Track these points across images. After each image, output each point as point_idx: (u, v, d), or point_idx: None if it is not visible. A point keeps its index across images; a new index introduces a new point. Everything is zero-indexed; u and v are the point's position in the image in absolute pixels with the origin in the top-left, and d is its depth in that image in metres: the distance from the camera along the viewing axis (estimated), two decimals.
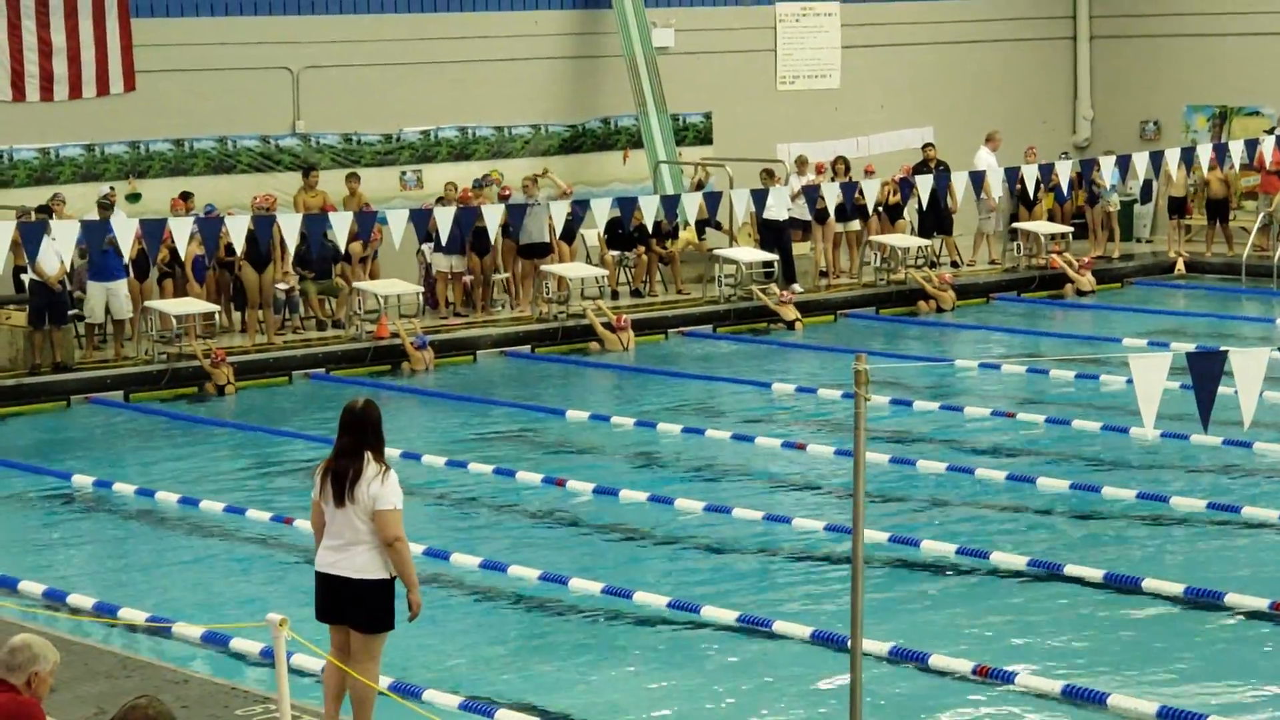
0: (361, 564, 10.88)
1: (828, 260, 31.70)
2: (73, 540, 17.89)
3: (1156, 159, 29.09)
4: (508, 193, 29.36)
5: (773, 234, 30.09)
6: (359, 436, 10.94)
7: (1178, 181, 32.96)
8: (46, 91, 27.43)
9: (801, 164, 31.25)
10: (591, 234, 29.90)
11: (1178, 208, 33.60)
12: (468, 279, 28.82)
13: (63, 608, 14.99)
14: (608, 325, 27.44)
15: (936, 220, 31.78)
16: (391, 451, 19.72)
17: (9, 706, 8.64)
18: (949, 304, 30.10)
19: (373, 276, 27.88)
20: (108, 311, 25.32)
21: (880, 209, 31.33)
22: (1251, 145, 30.18)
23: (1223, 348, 9.67)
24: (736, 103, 33.24)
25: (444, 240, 27.00)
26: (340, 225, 25.21)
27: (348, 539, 10.89)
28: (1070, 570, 15.49)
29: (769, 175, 30.06)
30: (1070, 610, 14.84)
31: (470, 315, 28.23)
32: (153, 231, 23.91)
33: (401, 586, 11.03)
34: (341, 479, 10.89)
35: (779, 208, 29.48)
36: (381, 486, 10.84)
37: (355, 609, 10.94)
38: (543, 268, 28.39)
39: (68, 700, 11.99)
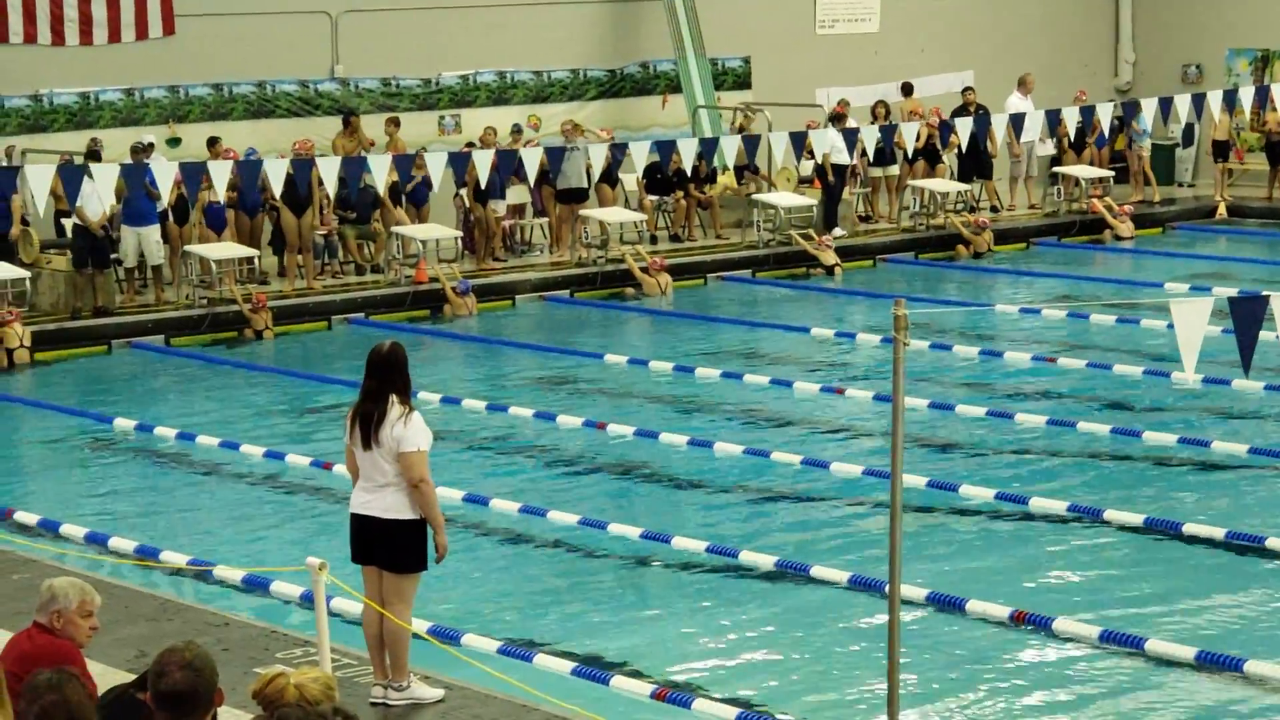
0: (390, 504, 10.90)
1: (867, 205, 31.62)
2: (114, 484, 17.97)
3: (1198, 102, 28.90)
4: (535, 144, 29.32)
5: (838, 177, 29.99)
6: (384, 379, 10.94)
7: (1221, 125, 32.77)
8: (86, 35, 27.44)
9: (843, 107, 31.12)
10: (630, 179, 29.85)
11: (1222, 151, 33.39)
12: (507, 223, 28.81)
13: (105, 550, 15.07)
14: (645, 270, 27.41)
15: (976, 165, 31.66)
16: (432, 396, 19.95)
17: (45, 650, 8.67)
18: (985, 247, 29.99)
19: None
20: (141, 256, 25.36)
21: (919, 152, 31.18)
22: None
23: (1265, 292, 9.60)
24: (775, 47, 33.10)
25: (483, 185, 26.97)
26: (379, 169, 25.20)
27: (378, 481, 10.92)
28: (1110, 515, 15.46)
29: (839, 119, 29.89)
30: (1109, 555, 14.83)
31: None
32: (192, 175, 23.95)
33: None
34: (368, 422, 10.91)
35: (844, 151, 29.36)
36: (405, 428, 10.84)
37: (385, 549, 10.96)
38: (581, 212, 28.35)
39: (109, 643, 12.05)
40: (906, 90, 32.83)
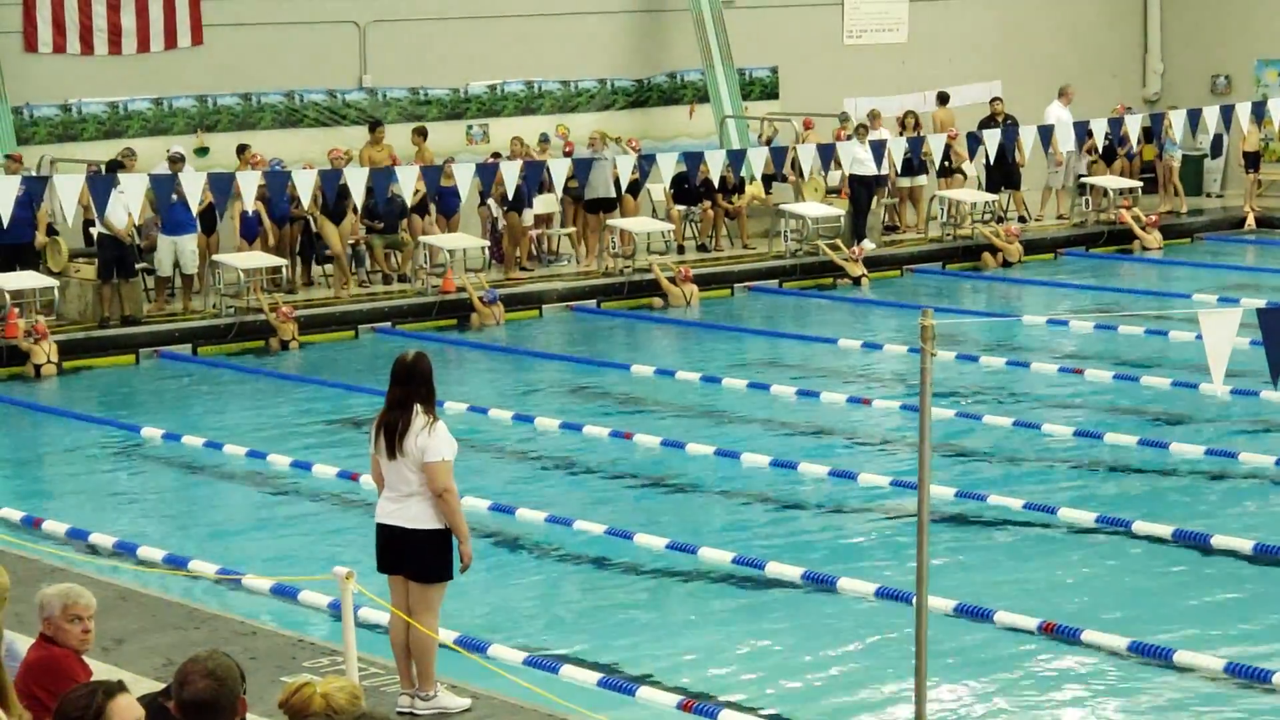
0: (415, 514, 10.91)
1: (893, 215, 31.60)
2: (142, 493, 18.01)
3: (1227, 113, 28.84)
4: (570, 149, 29.37)
5: (864, 189, 29.92)
6: (409, 388, 10.96)
7: (1251, 135, 32.67)
8: (115, 45, 27.53)
9: (874, 118, 31.05)
10: (657, 189, 29.85)
11: (1253, 162, 33.29)
12: (534, 233, 28.83)
13: (133, 559, 15.09)
14: (672, 280, 27.41)
15: (1004, 175, 31.62)
16: (458, 406, 19.96)
17: (40, 662, 8.65)
18: (1016, 257, 29.94)
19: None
20: (176, 265, 25.43)
21: (948, 164, 31.17)
22: None
23: None
24: (803, 57, 33.09)
25: (509, 195, 27.02)
26: (406, 180, 25.24)
27: (403, 491, 10.94)
28: (1138, 527, 15.40)
29: (863, 130, 29.82)
30: (1138, 567, 14.78)
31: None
32: (220, 185, 24.00)
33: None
34: (392, 431, 10.93)
35: (869, 163, 29.28)
36: (429, 438, 10.85)
37: (410, 559, 10.98)
38: (608, 222, 28.36)
39: (136, 651, 12.08)
40: (943, 99, 32.76)
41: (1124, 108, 31.98)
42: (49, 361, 23.19)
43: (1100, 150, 32.37)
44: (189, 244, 25.24)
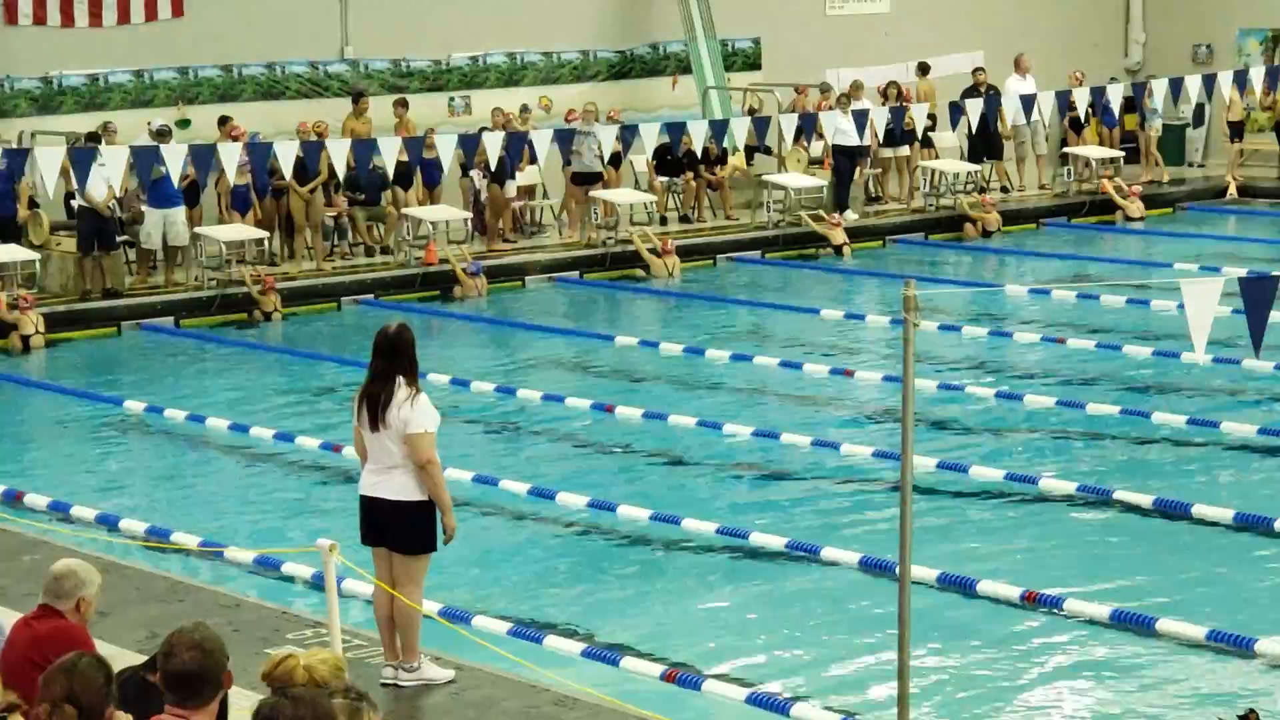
0: (399, 486, 10.91)
1: (876, 186, 31.58)
2: (124, 465, 18.00)
3: (1209, 82, 28.83)
4: (571, 117, 29.27)
5: (846, 159, 29.87)
6: (391, 360, 10.94)
7: (1235, 105, 32.64)
8: (95, 17, 27.42)
9: (856, 89, 30.99)
10: (640, 160, 29.80)
11: (1238, 131, 33.27)
12: (517, 204, 28.79)
13: (115, 532, 15.09)
14: (654, 251, 27.40)
15: (986, 145, 31.60)
16: (441, 378, 19.95)
17: (56, 634, 8.64)
18: (995, 225, 29.94)
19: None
20: (165, 238, 25.35)
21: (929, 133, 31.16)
22: None
23: (1275, 272, 9.58)
24: (786, 27, 33.03)
25: (492, 166, 26.96)
26: (388, 151, 25.17)
27: (386, 463, 10.93)
28: (1120, 496, 15.44)
29: (846, 100, 29.76)
30: (1119, 536, 14.82)
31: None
32: (202, 158, 23.94)
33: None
34: (375, 403, 10.92)
35: (851, 133, 29.21)
36: (412, 410, 10.84)
37: (394, 531, 10.98)
38: (591, 193, 28.31)
39: (119, 624, 12.07)
40: (924, 70, 32.72)
41: (1077, 76, 31.64)
42: (37, 332, 23.15)
43: (1069, 120, 32.28)
44: (179, 216, 25.15)
